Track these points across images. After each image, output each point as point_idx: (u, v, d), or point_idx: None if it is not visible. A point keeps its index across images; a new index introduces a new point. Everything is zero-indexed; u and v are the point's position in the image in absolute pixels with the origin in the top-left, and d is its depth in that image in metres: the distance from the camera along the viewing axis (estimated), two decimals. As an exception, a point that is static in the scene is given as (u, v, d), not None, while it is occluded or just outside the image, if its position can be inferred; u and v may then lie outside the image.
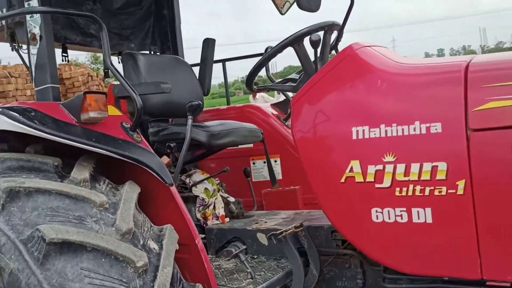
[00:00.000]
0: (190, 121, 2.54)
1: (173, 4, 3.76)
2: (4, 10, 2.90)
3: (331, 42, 2.61)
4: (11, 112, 1.97)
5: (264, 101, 11.97)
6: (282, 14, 3.58)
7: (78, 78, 10.57)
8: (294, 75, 2.79)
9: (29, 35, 2.83)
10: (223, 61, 4.40)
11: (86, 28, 3.25)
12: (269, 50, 2.51)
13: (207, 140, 2.70)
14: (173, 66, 3.31)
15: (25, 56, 3.07)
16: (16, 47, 3.01)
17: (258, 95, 12.62)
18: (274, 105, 3.76)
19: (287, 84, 2.72)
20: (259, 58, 2.59)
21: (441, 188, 1.80)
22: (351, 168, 2.02)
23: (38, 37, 2.80)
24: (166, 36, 3.81)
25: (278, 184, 3.49)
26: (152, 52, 3.82)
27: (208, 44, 3.39)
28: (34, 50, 2.83)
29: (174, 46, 3.79)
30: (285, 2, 3.54)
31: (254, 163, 3.63)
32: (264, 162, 3.55)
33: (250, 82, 2.63)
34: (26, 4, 2.83)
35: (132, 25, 3.57)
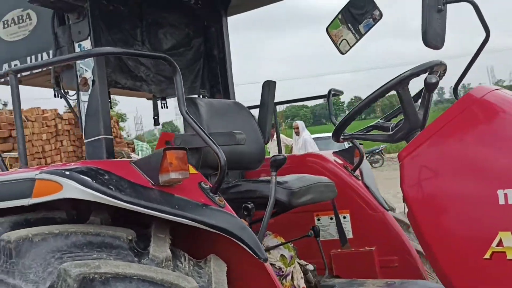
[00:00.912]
0: (274, 179, 2.16)
1: (224, 44, 3.46)
2: (51, 52, 2.58)
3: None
4: (82, 176, 1.59)
5: (283, 143, 11.65)
6: (342, 53, 3.30)
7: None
8: (381, 122, 2.42)
9: (79, 79, 2.50)
10: (274, 104, 4.04)
11: (136, 71, 2.93)
12: (366, 98, 2.15)
13: (288, 199, 2.32)
14: (234, 112, 2.97)
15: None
16: (62, 93, 2.67)
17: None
18: (336, 153, 3.38)
19: (372, 131, 2.37)
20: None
21: None
22: (500, 241, 1.62)
23: (90, 82, 2.47)
24: (216, 78, 3.49)
25: (349, 244, 3.08)
26: (201, 96, 3.50)
27: (269, 87, 3.05)
28: (84, 97, 2.49)
29: (225, 89, 3.47)
30: (341, 39, 3.24)
31: (319, 219, 3.22)
32: (331, 218, 3.15)
33: (339, 134, 2.27)
34: (77, 46, 2.51)
35: (182, 66, 3.25)
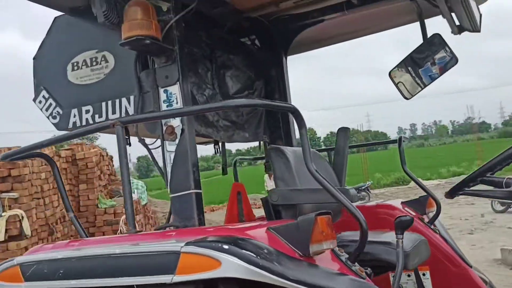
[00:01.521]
0: (401, 243, 1.96)
1: (284, 86, 3.32)
2: (131, 97, 2.37)
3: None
4: (242, 251, 1.37)
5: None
6: (407, 98, 3.21)
7: (92, 158, 9.92)
8: (490, 176, 2.27)
9: (164, 128, 2.29)
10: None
11: (208, 117, 2.74)
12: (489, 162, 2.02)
13: (404, 261, 2.12)
14: (313, 160, 2.78)
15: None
16: (143, 143, 2.46)
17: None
18: (406, 203, 3.21)
19: (492, 188, 2.22)
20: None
21: None
22: None
23: (177, 131, 2.26)
24: (277, 124, 3.33)
25: (430, 303, 2.88)
26: (262, 143, 3.33)
27: (345, 133, 2.89)
28: (171, 147, 2.28)
29: (286, 134, 3.30)
30: (405, 84, 3.17)
31: (394, 276, 3.01)
32: (409, 276, 2.94)
33: (456, 193, 2.12)
34: (162, 91, 2.32)
35: (247, 111, 3.08)
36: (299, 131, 1.79)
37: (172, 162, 2.26)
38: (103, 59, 2.47)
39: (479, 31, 2.69)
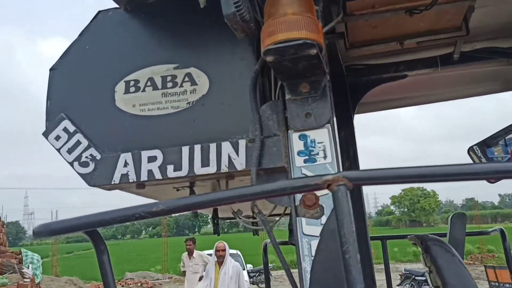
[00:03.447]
0: None
1: (355, 154, 2.61)
2: (240, 142, 1.48)
3: None
4: None
5: (203, 261, 10.32)
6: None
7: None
8: None
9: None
10: (383, 238, 3.11)
11: None
12: None
13: None
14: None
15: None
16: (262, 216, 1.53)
17: (196, 253, 10.83)
18: None
19: None
20: None
21: None
22: None
23: (325, 201, 1.40)
24: None
25: None
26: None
27: (461, 220, 2.22)
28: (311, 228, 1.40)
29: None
30: None
31: None
32: None
33: None
34: (296, 136, 1.46)
35: None
36: None
37: (314, 255, 1.37)
38: (187, 79, 1.56)
39: None
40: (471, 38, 2.38)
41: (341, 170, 1.40)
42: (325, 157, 1.42)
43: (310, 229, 1.39)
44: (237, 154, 1.46)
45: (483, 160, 2.74)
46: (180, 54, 1.57)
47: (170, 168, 1.49)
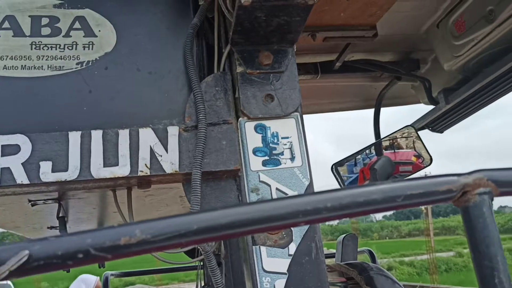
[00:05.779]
0: None
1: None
2: (170, 128, 0.92)
3: None
4: None
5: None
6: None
7: None
8: None
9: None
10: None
11: None
12: None
13: None
14: None
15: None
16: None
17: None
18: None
19: None
20: None
21: None
22: None
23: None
24: None
25: None
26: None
27: (352, 242, 2.03)
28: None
29: None
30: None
31: None
32: None
33: None
34: (252, 131, 1.00)
35: None
36: None
37: None
38: (77, 25, 0.97)
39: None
40: (351, 48, 2.24)
41: (312, 177, 0.99)
42: (292, 158, 0.99)
43: (273, 263, 0.94)
44: (166, 148, 0.93)
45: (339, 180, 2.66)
46: None
47: (45, 166, 0.88)
